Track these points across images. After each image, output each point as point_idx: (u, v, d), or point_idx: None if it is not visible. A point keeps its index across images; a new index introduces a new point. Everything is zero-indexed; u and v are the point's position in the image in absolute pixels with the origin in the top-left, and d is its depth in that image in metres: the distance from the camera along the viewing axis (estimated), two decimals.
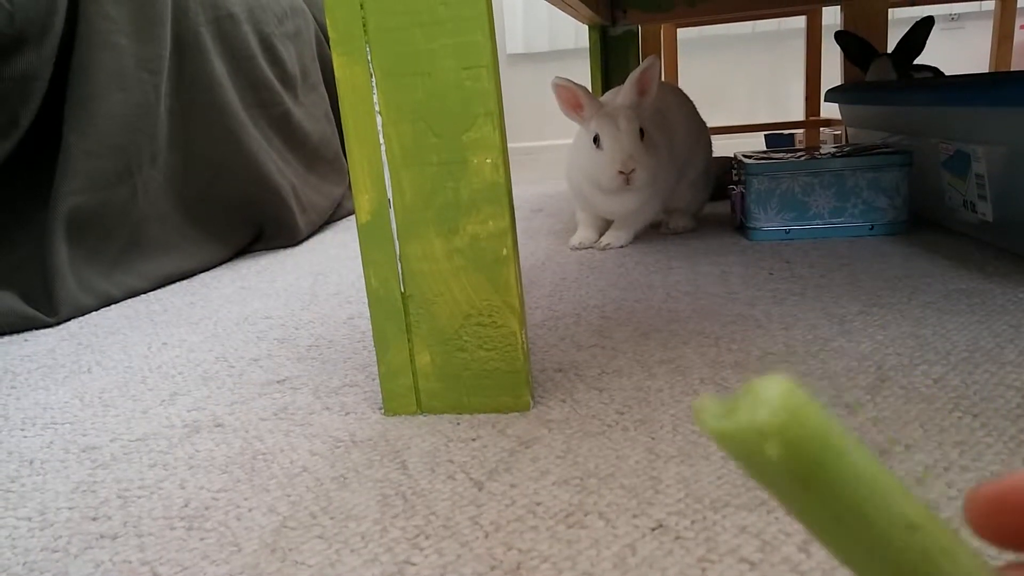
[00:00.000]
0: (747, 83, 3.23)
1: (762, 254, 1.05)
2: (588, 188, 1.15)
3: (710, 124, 1.35)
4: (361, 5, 0.55)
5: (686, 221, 1.26)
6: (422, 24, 0.55)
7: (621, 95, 1.10)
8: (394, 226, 0.59)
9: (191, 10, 1.22)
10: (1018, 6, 2.19)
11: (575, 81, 1.08)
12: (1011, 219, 0.89)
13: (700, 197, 1.29)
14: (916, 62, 1.64)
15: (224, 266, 1.30)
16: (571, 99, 1.09)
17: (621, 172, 1.06)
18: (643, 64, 1.08)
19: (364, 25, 0.56)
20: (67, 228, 1.03)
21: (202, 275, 1.23)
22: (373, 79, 0.56)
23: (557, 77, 1.08)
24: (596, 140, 1.09)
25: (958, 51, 2.95)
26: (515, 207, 1.71)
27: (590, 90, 1.74)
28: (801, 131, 2.34)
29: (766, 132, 2.43)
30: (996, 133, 0.89)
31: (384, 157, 0.58)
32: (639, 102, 1.09)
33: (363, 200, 0.59)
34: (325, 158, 1.62)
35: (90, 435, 0.62)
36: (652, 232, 1.26)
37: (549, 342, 0.76)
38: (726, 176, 1.33)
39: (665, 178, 1.16)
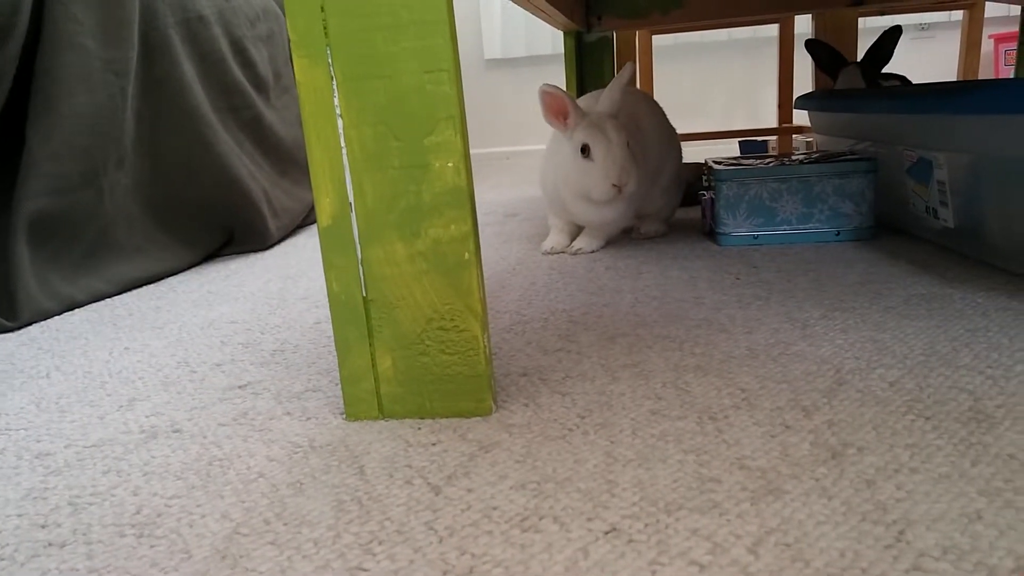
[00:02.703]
0: (722, 90, 3.26)
1: (730, 259, 1.05)
2: (570, 197, 1.13)
3: (686, 131, 1.36)
4: (322, 7, 0.55)
5: (657, 226, 1.27)
6: (383, 27, 0.55)
7: (602, 102, 1.10)
8: (355, 230, 0.58)
9: (159, 12, 1.21)
10: (985, 16, 2.23)
11: (563, 89, 1.08)
12: (972, 225, 0.90)
13: (671, 203, 1.30)
14: (885, 71, 1.67)
15: (193, 270, 1.28)
16: (557, 107, 1.08)
17: (614, 184, 1.06)
18: (625, 70, 1.09)
19: (325, 27, 0.55)
20: (29, 231, 1.01)
21: (170, 279, 1.22)
22: (334, 82, 0.56)
23: (545, 84, 1.06)
24: (584, 150, 1.07)
25: (928, 60, 2.99)
26: (490, 211, 1.71)
27: None
28: (775, 138, 2.37)
29: (740, 139, 2.45)
30: (957, 141, 0.90)
31: (345, 160, 0.57)
32: (618, 109, 1.09)
33: (324, 204, 0.58)
34: (298, 161, 1.61)
35: (44, 441, 0.61)
36: (623, 237, 1.27)
37: (516, 346, 0.76)
38: (697, 182, 1.34)
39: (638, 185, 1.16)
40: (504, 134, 3.32)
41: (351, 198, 0.58)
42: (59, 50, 1.02)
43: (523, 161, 3.17)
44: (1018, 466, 0.46)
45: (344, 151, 0.57)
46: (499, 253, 1.23)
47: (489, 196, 2.03)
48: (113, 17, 1.10)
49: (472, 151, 3.56)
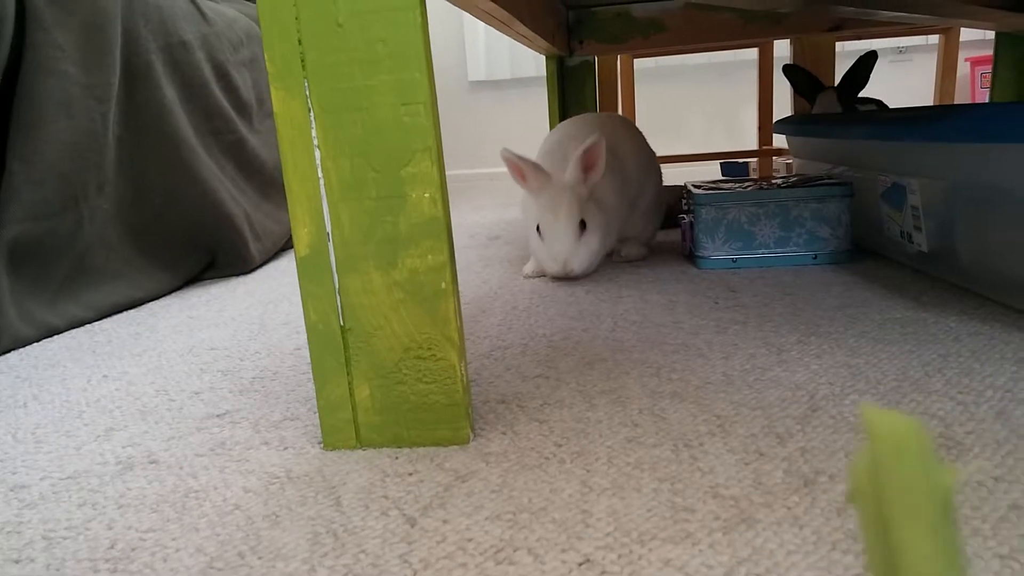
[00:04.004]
0: (703, 112, 3.29)
1: (709, 283, 1.06)
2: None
3: (668, 152, 1.38)
4: (299, 40, 0.56)
5: (638, 249, 1.28)
6: (360, 61, 0.56)
7: (568, 172, 1.09)
8: (333, 260, 0.59)
9: (142, 37, 1.21)
10: (961, 40, 2.27)
11: (521, 156, 1.09)
12: (945, 250, 0.92)
13: (652, 226, 1.31)
14: (862, 94, 1.69)
15: (174, 295, 1.28)
16: (518, 171, 1.11)
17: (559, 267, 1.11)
18: (587, 143, 1.07)
19: (302, 60, 0.56)
20: (9, 257, 1.01)
21: (150, 304, 1.22)
22: (311, 114, 0.57)
23: (504, 150, 1.11)
24: (539, 228, 1.12)
25: (906, 83, 3.04)
26: (473, 234, 1.72)
27: (548, 119, 1.77)
28: (755, 159, 2.39)
29: (721, 161, 2.48)
30: (929, 167, 0.92)
31: (323, 191, 0.58)
32: (585, 179, 1.10)
33: (302, 234, 0.59)
34: (280, 185, 1.61)
35: (20, 473, 0.61)
36: (604, 260, 1.27)
37: (495, 373, 0.76)
38: (677, 204, 1.35)
39: (615, 215, 1.17)
40: (488, 156, 3.34)
41: (328, 228, 0.58)
42: (40, 76, 1.03)
43: (506, 183, 3.18)
44: (986, 493, 0.47)
45: (321, 182, 0.58)
46: (480, 276, 1.23)
47: (472, 218, 2.03)
48: (95, 43, 1.11)
49: (456, 172, 3.56)
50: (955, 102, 2.34)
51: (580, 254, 1.10)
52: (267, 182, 1.57)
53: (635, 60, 2.30)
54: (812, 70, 1.73)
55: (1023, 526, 0.43)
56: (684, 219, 1.23)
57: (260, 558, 0.46)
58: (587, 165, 1.09)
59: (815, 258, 1.12)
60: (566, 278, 1.15)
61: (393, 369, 0.60)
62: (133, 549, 0.48)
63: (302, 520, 0.50)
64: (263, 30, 0.56)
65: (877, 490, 0.20)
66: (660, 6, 1.71)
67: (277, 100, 0.57)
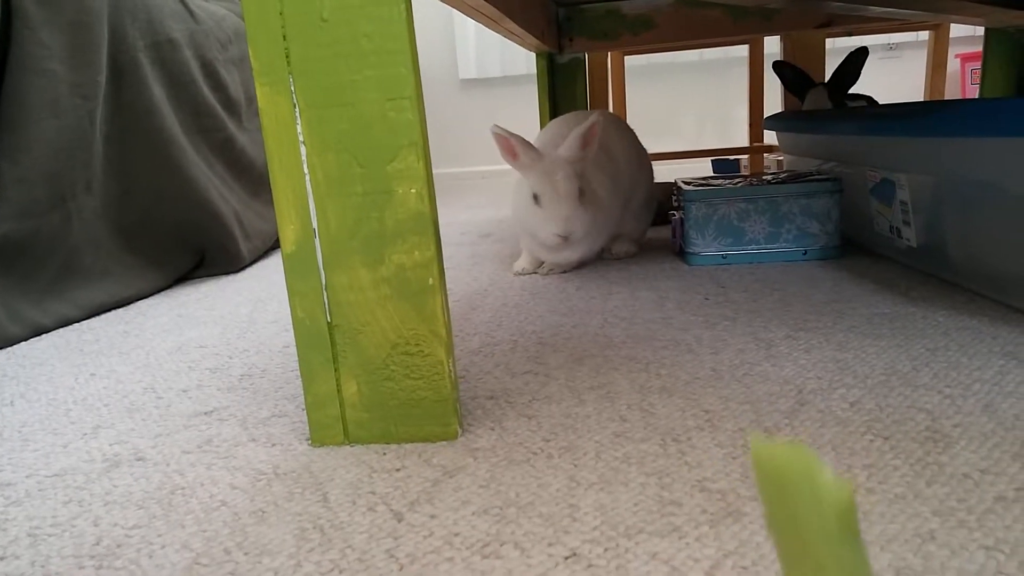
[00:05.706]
0: (694, 109, 3.30)
1: (699, 279, 1.07)
2: (526, 236, 1.17)
3: (659, 149, 1.37)
4: (284, 36, 0.56)
5: (628, 247, 1.28)
6: (345, 56, 0.55)
7: (563, 147, 1.09)
8: (319, 256, 0.58)
9: (128, 36, 1.21)
10: (951, 36, 2.27)
11: (511, 131, 1.08)
12: (934, 245, 0.92)
13: (643, 224, 1.31)
14: (852, 91, 1.70)
15: (163, 293, 1.27)
16: (508, 148, 1.09)
17: (557, 235, 1.08)
18: (588, 120, 1.08)
19: (287, 56, 0.56)
20: None
21: (139, 303, 1.21)
22: (297, 109, 0.57)
23: (495, 126, 1.08)
24: (536, 197, 1.09)
25: (896, 79, 3.05)
26: (464, 232, 1.72)
27: (539, 116, 1.76)
28: (747, 156, 2.40)
29: (713, 158, 2.48)
30: (918, 162, 0.92)
31: (309, 187, 0.58)
32: (581, 155, 1.10)
33: (288, 230, 0.59)
34: (270, 183, 1.61)
35: (6, 471, 0.60)
36: (595, 257, 1.27)
37: (484, 369, 0.76)
38: (668, 201, 1.35)
39: (608, 213, 1.17)
40: (478, 153, 3.34)
41: (315, 224, 0.58)
42: (26, 75, 1.02)
43: (498, 180, 3.18)
44: (972, 486, 0.47)
45: (307, 178, 0.57)
46: (471, 274, 1.23)
47: (463, 216, 2.03)
48: (81, 41, 1.10)
49: (446, 171, 3.54)
50: (945, 98, 2.35)
51: (581, 217, 1.08)
52: (256, 180, 1.57)
53: (626, 57, 2.30)
54: (802, 67, 1.73)
55: (1008, 518, 0.43)
56: (674, 216, 1.23)
57: (246, 554, 0.45)
58: (585, 142, 1.09)
59: (804, 254, 1.12)
60: (566, 267, 1.16)
61: (381, 365, 0.59)
62: (119, 546, 0.48)
63: (289, 516, 0.50)
64: (247, 25, 0.56)
65: (772, 524, 0.20)
66: (650, 3, 1.71)
67: (262, 96, 0.57)
